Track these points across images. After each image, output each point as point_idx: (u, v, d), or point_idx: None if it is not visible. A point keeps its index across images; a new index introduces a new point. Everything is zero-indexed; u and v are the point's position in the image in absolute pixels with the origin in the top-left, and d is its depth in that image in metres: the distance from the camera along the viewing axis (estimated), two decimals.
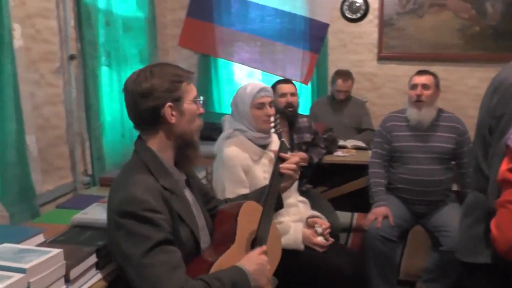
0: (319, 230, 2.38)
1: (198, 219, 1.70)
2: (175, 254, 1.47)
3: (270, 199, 1.91)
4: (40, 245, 1.64)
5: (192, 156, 1.69)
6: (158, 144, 1.62)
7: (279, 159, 2.00)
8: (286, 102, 3.19)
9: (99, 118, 3.19)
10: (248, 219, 1.78)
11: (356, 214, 3.55)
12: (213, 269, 1.56)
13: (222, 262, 1.61)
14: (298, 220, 2.44)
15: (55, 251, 1.41)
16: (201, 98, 1.70)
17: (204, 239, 1.71)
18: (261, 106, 2.36)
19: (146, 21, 4.04)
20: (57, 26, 2.87)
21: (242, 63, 4.81)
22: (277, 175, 1.97)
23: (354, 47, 4.83)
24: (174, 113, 1.58)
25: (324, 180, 3.76)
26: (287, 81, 3.35)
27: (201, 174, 2.73)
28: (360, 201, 3.45)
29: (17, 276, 1.25)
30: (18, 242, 1.56)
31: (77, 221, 1.88)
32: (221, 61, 4.90)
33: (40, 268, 1.33)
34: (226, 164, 2.31)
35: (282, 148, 2.02)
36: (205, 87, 4.81)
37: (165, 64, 1.66)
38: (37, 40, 2.71)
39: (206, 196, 1.94)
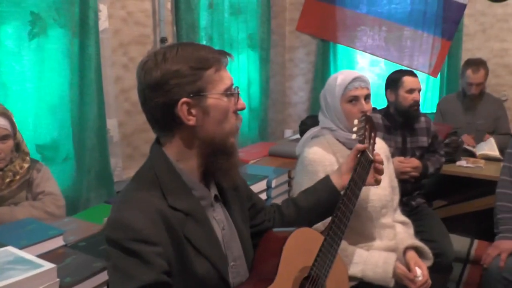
0: (419, 279, 1.87)
1: (231, 246, 1.32)
2: None
3: (340, 221, 1.47)
4: (57, 249, 1.49)
5: (226, 167, 1.26)
6: (177, 151, 1.22)
7: (361, 166, 1.58)
8: (413, 100, 2.70)
9: None
10: (299, 251, 1.36)
11: (476, 242, 2.95)
12: None
13: None
14: (393, 248, 1.94)
15: (46, 267, 1.23)
16: (237, 88, 1.25)
17: (237, 271, 1.32)
18: (354, 99, 1.91)
19: (258, 3, 3.82)
20: (151, 9, 2.75)
21: (365, 51, 4.41)
22: (356, 187, 1.54)
23: (496, 33, 4.07)
24: (193, 111, 1.17)
25: (441, 194, 3.21)
26: (414, 74, 2.82)
27: (282, 178, 2.40)
28: (484, 226, 2.85)
29: None
30: (29, 245, 1.43)
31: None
32: (341, 48, 4.56)
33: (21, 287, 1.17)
34: (306, 168, 1.93)
35: (361, 161, 1.61)
36: (323, 77, 4.49)
37: (185, 44, 1.22)
38: (128, 22, 2.64)
39: (253, 209, 1.51)
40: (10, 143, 1.95)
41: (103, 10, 2.47)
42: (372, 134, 1.73)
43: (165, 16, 2.82)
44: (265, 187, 2.24)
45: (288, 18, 4.49)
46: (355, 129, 1.69)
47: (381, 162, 1.66)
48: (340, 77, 1.96)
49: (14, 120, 1.99)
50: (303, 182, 1.90)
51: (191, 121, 1.17)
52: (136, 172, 1.27)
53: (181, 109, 1.15)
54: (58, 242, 1.52)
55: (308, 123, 3.14)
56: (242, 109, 1.25)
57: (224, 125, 1.22)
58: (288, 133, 4.49)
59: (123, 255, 1.10)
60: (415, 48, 4.13)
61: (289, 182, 2.44)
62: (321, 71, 4.52)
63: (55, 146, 2.43)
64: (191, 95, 1.15)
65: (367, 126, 1.71)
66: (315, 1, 4.34)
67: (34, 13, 2.26)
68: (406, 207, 2.21)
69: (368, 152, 1.63)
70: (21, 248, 1.36)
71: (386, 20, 4.21)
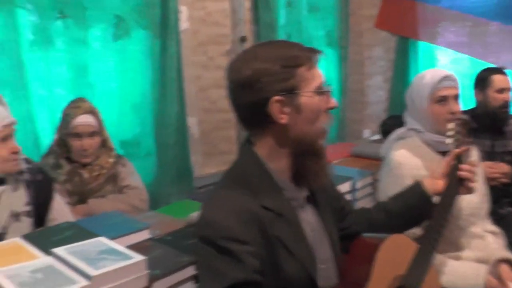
0: None
1: (320, 248, 1.28)
2: None
3: (434, 232, 1.41)
4: (143, 242, 1.53)
5: (315, 168, 1.24)
6: (267, 150, 1.21)
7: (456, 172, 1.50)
8: (504, 101, 2.55)
9: None
10: (392, 259, 1.33)
11: None
12: None
13: None
14: (483, 260, 1.82)
15: (136, 258, 1.26)
16: (329, 86, 1.22)
17: (326, 275, 1.28)
18: (443, 100, 1.82)
19: (336, 0, 3.75)
20: (230, 8, 2.78)
21: (447, 47, 4.22)
22: (449, 193, 1.47)
23: None
24: (286, 109, 1.15)
25: None
26: (504, 72, 2.66)
27: (366, 180, 2.32)
28: None
29: (82, 283, 1.13)
30: (118, 236, 1.47)
31: (193, 219, 1.73)
32: (422, 45, 4.38)
33: (111, 277, 1.19)
34: (392, 171, 1.85)
35: (456, 167, 1.52)
36: (402, 75, 4.35)
37: (276, 42, 1.23)
38: (206, 22, 2.69)
39: (342, 211, 1.48)
40: (97, 139, 2.05)
41: (184, 11, 2.53)
42: (467, 139, 1.63)
43: (244, 15, 2.84)
44: (349, 188, 2.18)
45: (366, 15, 4.38)
46: (450, 133, 1.61)
47: (475, 169, 1.57)
48: (427, 76, 1.87)
49: (101, 118, 2.07)
50: (389, 185, 1.82)
51: (283, 119, 1.15)
52: (226, 171, 1.28)
53: (273, 107, 1.14)
54: (144, 235, 1.56)
55: (390, 123, 3.05)
56: (334, 107, 1.22)
57: (316, 124, 1.20)
58: (366, 133, 4.38)
59: (215, 252, 1.10)
60: (502, 44, 3.89)
61: (373, 184, 2.36)
62: (401, 69, 4.37)
63: (137, 142, 2.53)
64: (284, 93, 1.14)
65: (462, 130, 1.63)
66: None
67: (118, 16, 2.39)
68: (493, 215, 2.06)
69: (464, 158, 1.55)
70: (110, 239, 1.41)
71: (470, 15, 4.01)
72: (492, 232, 1.94)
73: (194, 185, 2.66)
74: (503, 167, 2.49)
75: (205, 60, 2.69)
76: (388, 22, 4.30)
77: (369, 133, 4.20)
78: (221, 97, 2.81)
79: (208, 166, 2.77)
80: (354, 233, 1.43)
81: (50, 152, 2.08)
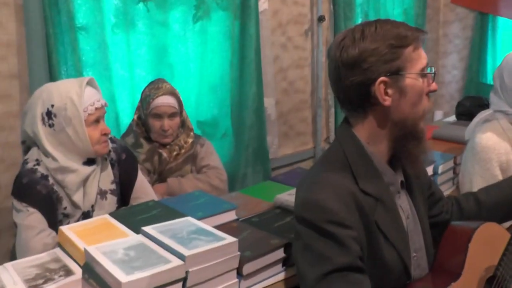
0: None
1: (414, 237, 1.25)
2: (361, 286, 1.09)
3: None
4: (230, 223, 1.50)
5: (415, 152, 1.21)
6: (368, 133, 1.19)
7: None
8: None
9: None
10: (485, 248, 1.28)
11: None
12: None
13: None
14: None
15: (228, 240, 1.24)
16: (433, 68, 1.18)
17: (419, 263, 1.26)
18: None
19: None
20: None
21: None
22: None
23: None
24: (390, 91, 1.12)
25: None
26: None
27: (447, 164, 2.20)
28: None
29: (176, 262, 1.12)
30: (205, 217, 1.45)
31: (280, 201, 1.69)
32: (502, 21, 4.17)
33: (204, 258, 1.17)
34: (478, 155, 1.77)
35: None
36: (479, 54, 4.19)
37: (384, 21, 1.17)
38: (286, 2, 2.65)
39: (432, 198, 1.43)
40: (177, 120, 2.04)
41: None
42: None
43: None
44: (431, 172, 2.07)
45: None
46: None
47: None
48: None
49: (181, 99, 2.07)
50: (474, 170, 1.76)
51: (387, 101, 1.13)
52: (323, 153, 1.27)
53: (378, 89, 1.11)
54: (231, 216, 1.53)
55: (467, 104, 2.90)
56: (435, 90, 1.19)
57: (418, 107, 1.17)
58: (438, 115, 4.20)
59: (318, 236, 1.09)
60: None
61: (455, 168, 2.24)
62: (478, 47, 4.18)
63: (215, 123, 2.53)
64: (389, 74, 1.11)
65: None
66: None
67: None
68: None
69: None
70: (198, 219, 1.39)
71: None
72: None
73: (270, 166, 2.63)
74: None
75: (284, 40, 2.66)
76: None
77: (441, 115, 4.03)
78: (298, 77, 2.76)
79: (284, 147, 2.75)
80: (443, 222, 1.39)
81: (129, 131, 2.12)
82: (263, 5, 2.49)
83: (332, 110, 2.99)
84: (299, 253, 1.13)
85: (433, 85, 1.19)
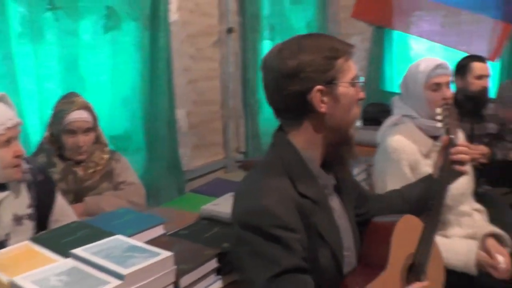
0: (502, 266, 1.84)
1: (345, 236, 1.33)
2: (308, 286, 1.16)
3: (435, 211, 1.50)
4: (159, 238, 1.49)
5: (346, 156, 1.31)
6: (303, 139, 1.26)
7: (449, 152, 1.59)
8: (483, 87, 2.68)
9: (256, 94, 3.07)
10: (405, 238, 1.40)
11: None
12: None
13: None
14: (472, 236, 1.94)
15: (164, 254, 1.23)
16: (362, 78, 1.29)
17: (349, 262, 1.33)
18: (437, 87, 1.92)
19: None
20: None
21: (421, 36, 4.32)
22: (445, 175, 1.56)
23: None
24: (325, 99, 1.21)
25: (508, 181, 3.10)
26: (483, 59, 2.80)
27: (361, 167, 2.35)
28: None
29: (115, 282, 1.09)
30: (136, 233, 1.43)
31: (206, 212, 1.70)
32: (396, 34, 4.47)
33: (143, 275, 1.16)
34: (390, 156, 1.93)
35: (449, 152, 1.59)
36: (378, 63, 4.43)
37: (318, 36, 1.27)
38: (195, 13, 2.64)
39: (359, 199, 1.53)
40: (92, 135, 1.98)
41: (173, 2, 2.48)
42: (456, 122, 1.71)
43: (231, 7, 2.81)
44: None
45: (343, 5, 4.41)
46: (439, 117, 1.67)
47: (467, 153, 1.65)
48: (423, 64, 1.97)
49: (95, 113, 2.00)
50: (387, 170, 1.92)
51: (323, 108, 1.21)
52: (260, 160, 1.32)
53: (315, 96, 1.19)
54: (159, 230, 1.52)
55: (371, 110, 3.10)
56: (363, 98, 1.29)
57: (350, 113, 1.26)
58: None
59: (265, 240, 1.13)
60: (474, 32, 4.00)
61: (367, 170, 2.40)
62: (376, 58, 4.43)
63: (127, 137, 2.47)
64: (325, 83, 1.19)
65: (451, 115, 1.69)
66: None
67: (109, 7, 2.32)
68: (473, 195, 2.17)
69: (454, 143, 1.62)
70: (128, 236, 1.37)
71: (443, 4, 4.09)
72: (478, 210, 2.08)
73: (183, 179, 2.62)
74: (482, 149, 2.61)
75: (194, 51, 2.65)
76: (364, 12, 4.33)
77: None
78: (209, 89, 2.78)
79: (196, 159, 2.74)
80: (369, 219, 1.48)
81: (40, 150, 1.99)
82: (173, 16, 2.48)
83: (242, 121, 3.03)
84: (245, 259, 1.17)
85: (362, 94, 1.28)
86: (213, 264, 1.38)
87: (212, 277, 1.39)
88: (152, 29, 2.40)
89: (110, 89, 2.39)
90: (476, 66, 2.69)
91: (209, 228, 1.59)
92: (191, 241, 1.47)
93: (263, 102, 3.17)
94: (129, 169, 2.11)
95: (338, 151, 1.30)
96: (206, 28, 2.71)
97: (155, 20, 2.38)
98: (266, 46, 3.23)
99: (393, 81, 4.48)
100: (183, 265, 1.30)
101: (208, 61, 2.75)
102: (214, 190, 2.05)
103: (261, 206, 1.15)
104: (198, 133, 2.75)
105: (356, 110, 1.28)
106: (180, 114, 2.60)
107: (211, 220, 1.66)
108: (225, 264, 1.41)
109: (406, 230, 1.42)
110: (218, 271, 1.40)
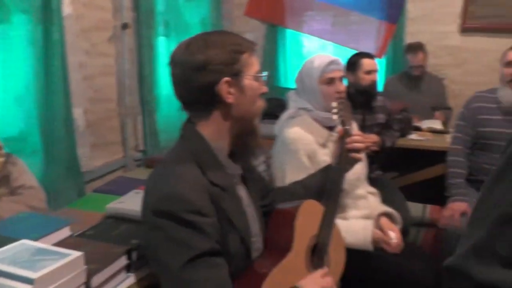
0: (394, 241, 2.04)
1: (252, 223, 1.41)
2: (221, 269, 1.22)
3: (333, 196, 1.65)
4: (66, 240, 1.45)
5: (252, 145, 1.41)
6: (212, 129, 1.33)
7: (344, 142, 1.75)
8: (372, 81, 2.86)
9: (153, 91, 3.02)
10: (307, 221, 1.51)
11: (428, 207, 3.17)
12: (267, 283, 1.31)
13: (277, 274, 1.35)
14: (368, 216, 2.13)
15: (74, 254, 1.21)
16: (265, 73, 1.39)
17: (257, 247, 1.43)
18: (331, 81, 2.05)
19: None
20: None
21: (312, 35, 4.51)
22: (342, 162, 1.71)
23: (436, 18, 4.32)
24: (232, 90, 1.29)
25: (396, 166, 3.40)
26: (371, 56, 2.99)
27: (260, 159, 2.44)
28: (434, 192, 3.07)
29: None
30: (41, 236, 1.38)
31: (111, 211, 1.68)
32: (289, 32, 4.63)
33: (53, 277, 1.14)
34: (288, 147, 2.03)
35: (345, 142, 1.74)
36: (272, 60, 4.58)
37: (223, 32, 1.37)
38: (89, 7, 2.55)
39: (263, 190, 1.64)
40: None
41: None
42: (350, 114, 1.88)
43: (125, 2, 2.75)
44: None
45: (237, 3, 4.46)
46: (335, 110, 1.82)
47: (361, 141, 1.82)
48: (317, 60, 2.08)
49: None
50: (285, 160, 2.02)
51: (230, 98, 1.29)
52: (169, 151, 1.39)
53: (222, 88, 1.28)
54: (65, 232, 1.48)
55: (269, 106, 3.20)
56: (266, 92, 1.40)
57: (255, 105, 1.36)
58: None
59: (179, 226, 1.18)
60: (361, 32, 4.26)
61: (267, 162, 2.50)
62: (270, 55, 4.56)
63: (22, 138, 2.32)
64: (231, 75, 1.28)
65: (345, 108, 1.84)
66: None
67: None
68: (367, 180, 2.38)
69: (349, 133, 1.78)
70: (34, 240, 1.32)
71: (333, 5, 4.30)
72: (372, 193, 2.26)
73: (83, 180, 2.54)
74: (373, 137, 2.80)
75: (88, 46, 2.55)
76: (257, 11, 4.43)
77: None
78: (105, 85, 2.70)
79: (96, 158, 2.65)
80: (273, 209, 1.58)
81: None
82: (66, 9, 2.35)
83: (140, 118, 2.98)
84: (160, 246, 1.21)
85: (264, 88, 1.39)
86: (123, 261, 1.39)
87: (123, 274, 1.40)
88: (44, 23, 2.26)
89: (1, 87, 2.22)
90: (366, 62, 2.88)
91: (116, 226, 1.59)
92: (99, 241, 1.46)
93: (160, 99, 3.14)
94: (27, 172, 2.00)
95: (244, 141, 1.39)
96: (100, 22, 2.62)
97: (47, 14, 2.24)
98: (162, 43, 3.20)
99: (287, 77, 4.64)
100: (93, 264, 1.29)
101: (104, 57, 2.66)
102: (117, 189, 2.02)
103: (174, 193, 1.20)
104: (96, 132, 2.66)
105: (260, 103, 1.38)
106: (77, 112, 2.49)
107: (117, 219, 1.65)
108: (135, 260, 1.42)
109: (308, 214, 1.53)
110: (129, 267, 1.41)
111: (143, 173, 2.33)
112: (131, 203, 1.68)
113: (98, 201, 1.83)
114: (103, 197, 1.91)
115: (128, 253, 1.41)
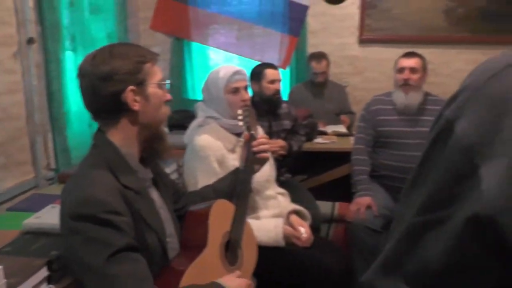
0: (304, 236, 2.20)
1: (166, 224, 1.51)
2: (141, 263, 1.29)
3: (243, 195, 1.77)
4: None
5: (160, 149, 1.51)
6: (121, 136, 1.41)
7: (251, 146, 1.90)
8: (275, 90, 3.01)
9: (63, 107, 2.95)
10: (220, 220, 1.63)
11: (337, 204, 3.39)
12: (185, 279, 1.38)
13: (194, 270, 1.43)
14: (278, 215, 2.27)
15: None
16: (168, 82, 1.50)
17: (173, 247, 1.52)
18: (236, 90, 2.18)
19: (115, 2, 3.79)
20: (14, 7, 2.60)
21: (218, 47, 4.61)
22: (250, 164, 1.86)
23: (336, 30, 4.64)
24: (137, 98, 1.39)
25: (304, 169, 3.60)
26: (275, 66, 3.16)
27: (171, 167, 2.51)
28: (342, 190, 3.29)
29: None
30: None
31: (28, 226, 1.67)
32: (195, 45, 4.70)
33: None
34: (198, 154, 2.12)
35: (251, 145, 1.88)
36: (178, 73, 4.63)
37: (126, 44, 1.48)
38: None
39: (176, 195, 1.73)
40: None
41: None
42: (255, 121, 2.04)
43: (29, 15, 2.69)
44: None
45: (142, 17, 4.46)
46: (240, 117, 1.96)
47: (266, 143, 1.97)
48: (222, 71, 2.20)
49: None
50: (197, 167, 2.11)
51: (136, 106, 1.39)
52: (83, 160, 1.45)
53: (128, 96, 1.37)
54: None
55: (175, 117, 3.28)
56: (170, 99, 1.51)
57: (160, 111, 1.47)
58: None
59: (97, 226, 1.24)
60: (265, 44, 4.42)
61: (178, 170, 2.57)
62: (176, 68, 4.60)
63: None
64: (135, 83, 1.38)
65: (250, 115, 1.99)
66: (167, 0, 4.37)
67: None
68: (276, 182, 2.54)
69: (255, 137, 1.93)
70: None
71: (237, 19, 4.43)
72: (281, 193, 2.43)
73: None
74: (280, 142, 2.97)
75: None
76: (163, 25, 4.46)
77: None
78: (11, 103, 2.60)
79: (6, 180, 2.55)
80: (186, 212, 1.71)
81: None
82: None
83: (50, 135, 2.92)
84: (80, 249, 1.26)
85: (168, 95, 1.50)
86: (43, 273, 1.40)
87: (44, 286, 1.40)
88: None
89: None
90: (269, 72, 3.03)
91: (34, 241, 1.58)
92: (18, 256, 1.45)
93: (70, 115, 3.08)
94: None
95: (153, 146, 1.48)
96: (4, 38, 2.55)
97: None
98: (69, 58, 3.15)
99: (195, 89, 4.71)
100: (13, 278, 1.29)
101: (9, 73, 2.58)
102: (31, 205, 1.98)
103: (90, 196, 1.26)
104: (5, 152, 2.55)
105: (165, 110, 1.49)
106: None
107: (35, 233, 1.64)
108: (56, 271, 1.43)
109: (220, 213, 1.64)
110: (49, 279, 1.42)
111: (57, 189, 2.30)
112: (49, 217, 1.68)
113: (13, 219, 1.79)
114: (17, 215, 1.88)
115: (48, 264, 1.41)
